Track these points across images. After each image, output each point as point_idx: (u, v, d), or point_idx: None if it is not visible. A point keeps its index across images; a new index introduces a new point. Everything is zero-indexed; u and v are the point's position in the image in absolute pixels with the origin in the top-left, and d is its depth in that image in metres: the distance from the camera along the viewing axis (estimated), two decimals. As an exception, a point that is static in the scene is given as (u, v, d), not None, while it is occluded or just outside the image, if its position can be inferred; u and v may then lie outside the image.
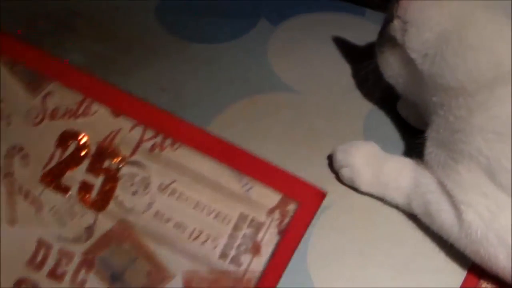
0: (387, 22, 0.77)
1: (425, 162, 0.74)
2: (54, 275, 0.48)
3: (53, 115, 0.49)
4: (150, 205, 0.47)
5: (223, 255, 0.47)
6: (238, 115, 0.85)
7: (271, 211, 0.47)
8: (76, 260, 0.48)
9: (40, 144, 0.48)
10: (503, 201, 0.66)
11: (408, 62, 0.75)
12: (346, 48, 1.00)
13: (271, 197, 0.47)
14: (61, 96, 0.49)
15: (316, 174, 0.79)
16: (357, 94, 0.91)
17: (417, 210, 0.73)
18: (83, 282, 0.48)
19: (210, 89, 0.87)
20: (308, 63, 0.96)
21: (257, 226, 0.47)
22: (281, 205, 0.48)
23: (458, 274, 0.72)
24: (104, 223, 0.47)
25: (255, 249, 0.47)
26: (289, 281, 0.67)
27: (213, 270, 0.47)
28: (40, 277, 0.48)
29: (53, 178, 0.48)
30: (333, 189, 0.78)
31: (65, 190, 0.48)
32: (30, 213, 0.47)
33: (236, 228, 0.47)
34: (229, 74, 0.91)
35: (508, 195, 0.66)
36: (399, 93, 0.83)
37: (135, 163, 0.46)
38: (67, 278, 0.48)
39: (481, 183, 0.67)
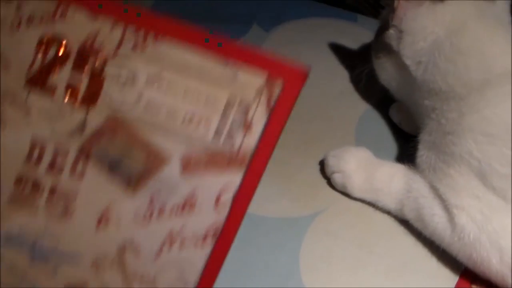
0: (382, 29, 0.78)
1: (417, 165, 0.74)
2: (53, 168, 0.49)
3: (29, 21, 0.47)
4: (139, 97, 0.48)
5: (217, 135, 0.50)
6: None
7: (258, 91, 0.49)
8: (72, 154, 0.49)
9: (20, 51, 0.47)
10: (495, 203, 0.65)
11: (402, 68, 0.76)
12: (338, 53, 1.00)
13: (257, 78, 0.49)
14: (35, 3, 0.47)
15: (308, 179, 0.81)
16: (349, 100, 0.92)
17: (410, 215, 0.73)
18: (82, 174, 0.50)
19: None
20: None
21: (247, 106, 0.49)
22: (267, 84, 0.50)
23: (450, 279, 0.72)
24: (95, 118, 0.48)
25: (247, 127, 0.50)
26: (282, 285, 0.70)
27: (208, 150, 0.50)
28: (40, 172, 0.49)
29: (38, 81, 0.48)
30: (325, 194, 0.80)
31: (51, 91, 0.48)
32: (19, 117, 0.47)
33: (227, 108, 0.49)
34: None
35: (499, 197, 0.65)
36: (393, 96, 0.83)
37: (119, 61, 0.46)
38: (66, 170, 0.49)
39: (473, 186, 0.66)
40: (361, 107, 0.92)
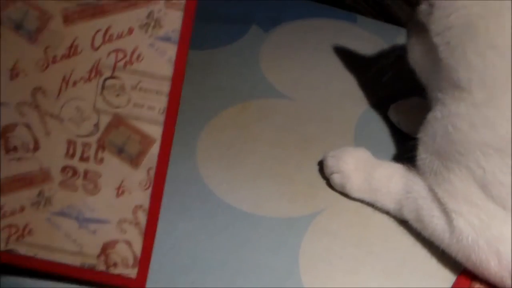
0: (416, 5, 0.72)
1: (417, 167, 0.72)
2: (83, 158, 0.74)
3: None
4: (129, 101, 0.73)
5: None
6: (230, 120, 0.88)
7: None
8: (94, 146, 0.74)
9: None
10: (493, 211, 0.65)
11: (431, 49, 0.70)
12: (337, 54, 1.00)
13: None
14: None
15: (307, 179, 0.82)
16: (348, 100, 0.92)
17: (409, 215, 0.73)
18: (102, 159, 0.74)
19: (202, 95, 0.91)
20: (300, 69, 0.98)
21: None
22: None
23: (449, 279, 0.71)
24: (104, 118, 0.73)
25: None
26: (281, 285, 0.71)
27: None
28: (75, 162, 0.74)
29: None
30: (325, 194, 0.80)
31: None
32: (57, 125, 0.73)
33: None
34: (221, 80, 0.93)
35: (499, 205, 0.65)
36: (420, 80, 0.77)
37: (114, 77, 0.71)
38: (92, 158, 0.74)
39: (473, 193, 0.66)
40: (360, 108, 0.91)
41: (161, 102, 0.72)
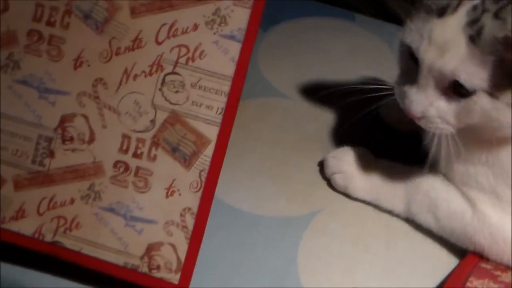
0: None
1: (444, 174, 0.73)
2: (136, 154, 0.72)
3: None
4: (187, 98, 0.71)
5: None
6: None
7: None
8: (148, 142, 0.72)
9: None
10: None
11: None
12: (336, 53, 1.00)
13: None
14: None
15: (306, 179, 0.82)
16: (347, 100, 0.85)
17: (417, 210, 0.74)
18: (155, 156, 0.72)
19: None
20: (298, 68, 0.98)
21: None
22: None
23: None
24: (161, 115, 0.71)
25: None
26: (280, 285, 0.71)
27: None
28: (128, 158, 0.72)
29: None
30: (323, 194, 0.80)
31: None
32: (114, 118, 0.72)
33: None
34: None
35: None
36: None
37: (175, 73, 0.70)
38: (145, 155, 0.72)
39: (499, 190, 0.69)
40: (359, 107, 0.85)
41: (220, 102, 0.70)
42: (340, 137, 0.88)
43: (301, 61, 0.99)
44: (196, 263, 0.70)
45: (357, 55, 0.98)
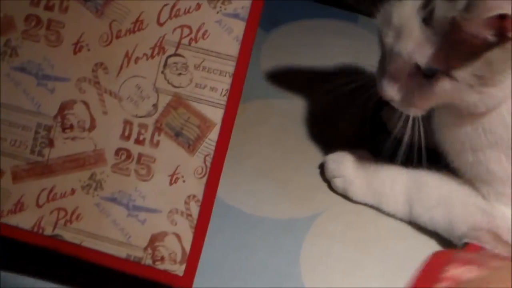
0: None
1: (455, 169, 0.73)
2: (138, 141, 0.69)
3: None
4: (191, 80, 0.68)
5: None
6: None
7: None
8: (150, 128, 0.69)
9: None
10: None
11: None
12: (339, 54, 0.99)
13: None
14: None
15: (307, 181, 0.82)
16: (348, 102, 0.88)
17: (419, 210, 0.74)
18: (158, 142, 0.69)
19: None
20: (301, 70, 0.97)
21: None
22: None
23: None
24: (163, 98, 0.68)
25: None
26: (282, 286, 0.71)
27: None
28: (130, 145, 0.69)
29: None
30: (324, 195, 0.80)
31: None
32: (115, 104, 0.69)
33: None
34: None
35: None
36: None
37: (177, 55, 0.67)
38: (147, 141, 0.69)
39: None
40: (361, 109, 0.88)
41: (225, 83, 0.67)
42: (341, 139, 0.87)
43: (303, 63, 0.98)
44: (198, 264, 0.68)
45: (359, 56, 0.97)
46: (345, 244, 0.76)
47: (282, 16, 1.06)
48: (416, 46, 0.64)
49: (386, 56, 0.69)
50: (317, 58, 0.99)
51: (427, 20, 0.63)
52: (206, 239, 0.68)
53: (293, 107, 0.92)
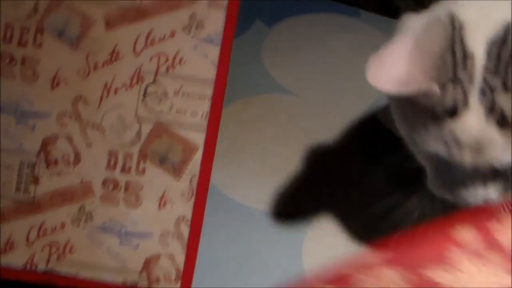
0: None
1: None
2: (125, 170, 0.71)
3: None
4: (171, 106, 0.70)
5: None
6: (233, 116, 0.87)
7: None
8: (135, 156, 0.70)
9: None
10: None
11: None
12: (341, 49, 0.99)
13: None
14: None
15: None
16: (352, 95, 0.91)
17: None
18: (144, 169, 0.70)
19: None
20: (303, 65, 0.97)
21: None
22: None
23: None
24: (146, 126, 0.70)
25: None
26: (283, 281, 0.67)
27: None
28: (117, 174, 0.71)
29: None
30: None
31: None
32: (98, 136, 0.70)
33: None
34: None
35: None
36: None
37: (156, 83, 0.69)
38: (133, 169, 0.70)
39: None
40: (363, 104, 0.90)
41: (204, 107, 0.69)
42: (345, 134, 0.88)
43: (306, 57, 0.98)
44: (199, 258, 0.69)
45: (362, 51, 0.95)
46: (347, 240, 0.77)
47: (285, 11, 1.06)
48: (501, 151, 0.61)
49: (463, 171, 0.64)
50: (319, 52, 0.99)
51: (501, 121, 0.60)
52: (207, 232, 0.69)
53: (296, 102, 0.92)
